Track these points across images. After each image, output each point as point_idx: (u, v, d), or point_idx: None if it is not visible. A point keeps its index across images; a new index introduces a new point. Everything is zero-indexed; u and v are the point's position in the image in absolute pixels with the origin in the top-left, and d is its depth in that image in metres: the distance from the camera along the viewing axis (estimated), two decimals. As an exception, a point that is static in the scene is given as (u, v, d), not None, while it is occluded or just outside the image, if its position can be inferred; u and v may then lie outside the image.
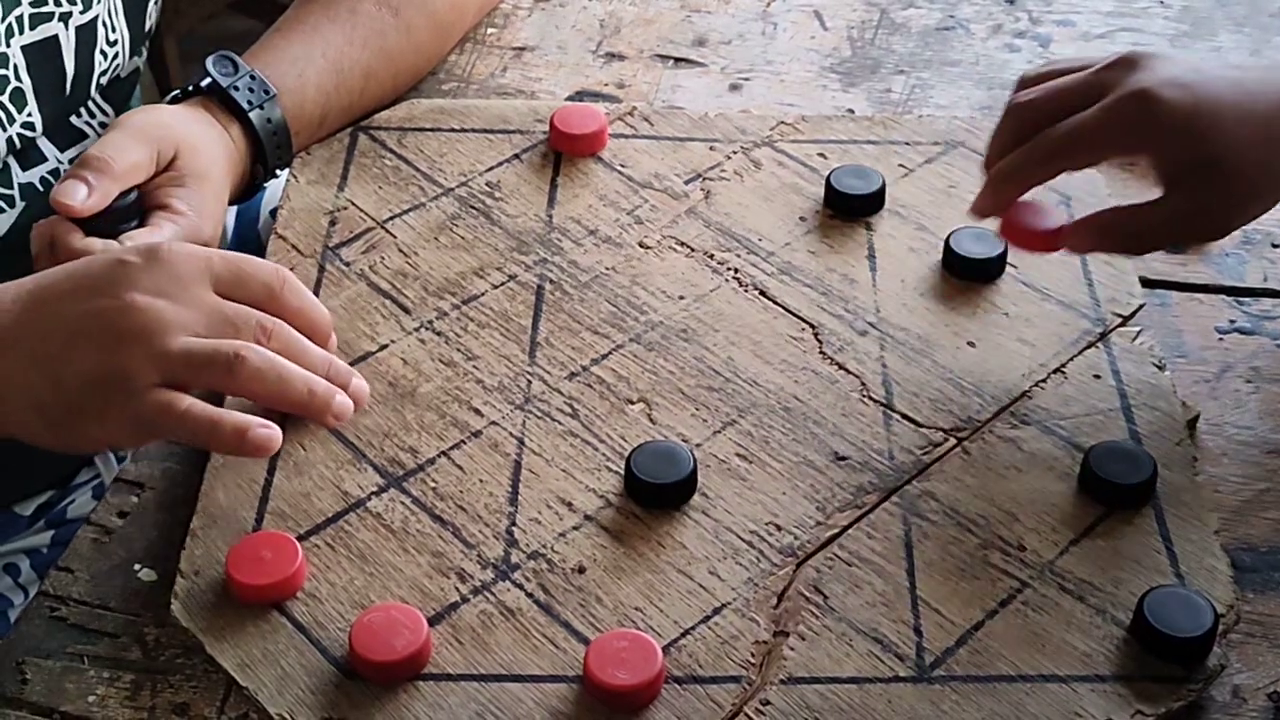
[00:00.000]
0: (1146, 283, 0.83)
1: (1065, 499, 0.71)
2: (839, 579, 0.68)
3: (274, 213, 0.90)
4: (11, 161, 0.86)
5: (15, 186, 0.87)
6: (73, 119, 0.90)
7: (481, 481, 0.72)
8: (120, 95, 0.94)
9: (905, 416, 0.75)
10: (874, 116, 0.94)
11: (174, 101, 0.87)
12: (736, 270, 0.83)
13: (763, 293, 0.82)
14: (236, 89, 0.86)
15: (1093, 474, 0.70)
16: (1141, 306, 0.81)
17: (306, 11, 0.93)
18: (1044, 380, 0.77)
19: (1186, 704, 0.63)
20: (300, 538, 0.69)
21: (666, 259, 0.84)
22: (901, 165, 0.90)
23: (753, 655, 0.65)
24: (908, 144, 0.91)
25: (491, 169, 0.90)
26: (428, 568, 0.68)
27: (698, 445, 0.73)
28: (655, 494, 0.70)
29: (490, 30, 1.04)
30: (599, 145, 0.91)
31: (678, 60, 1.02)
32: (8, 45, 0.83)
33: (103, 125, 0.91)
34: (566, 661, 0.64)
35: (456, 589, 0.67)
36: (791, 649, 0.65)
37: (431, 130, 0.93)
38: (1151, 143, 0.72)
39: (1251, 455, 0.74)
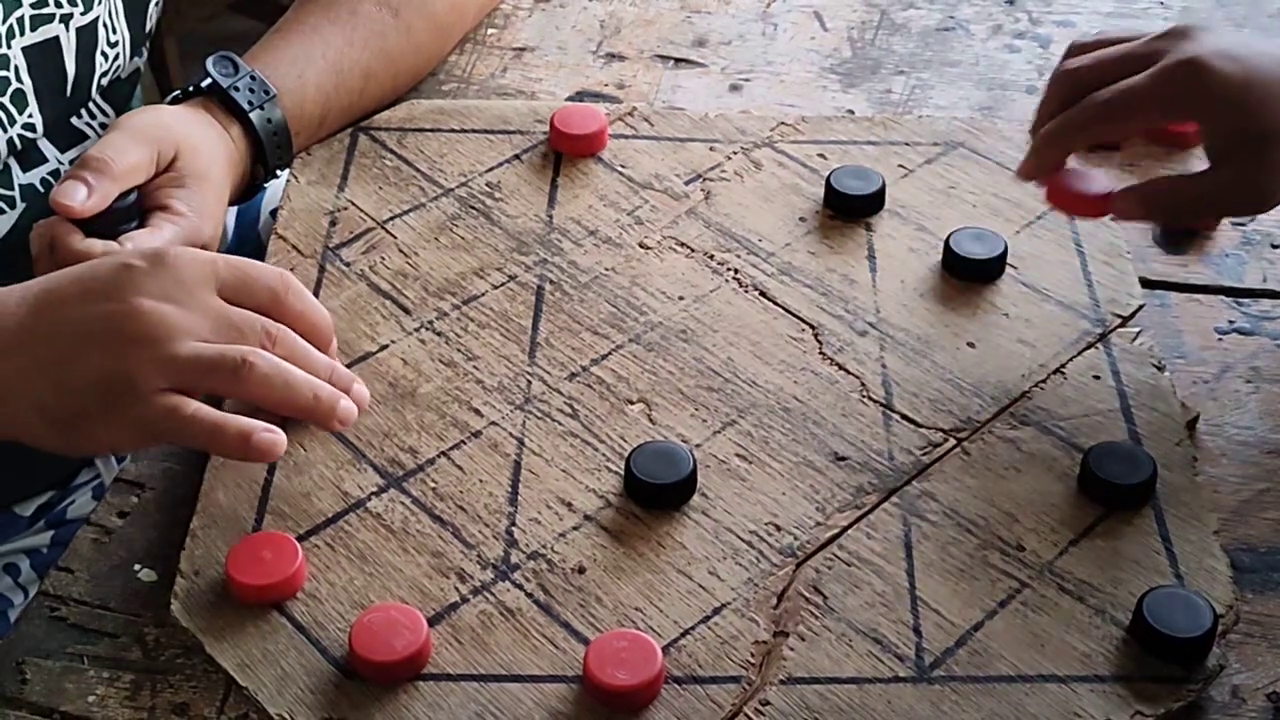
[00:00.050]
0: (1146, 283, 0.83)
1: (1065, 499, 0.71)
2: (839, 579, 0.68)
3: (274, 213, 0.90)
4: (12, 163, 0.86)
5: (16, 188, 0.87)
6: (73, 120, 0.90)
7: (481, 482, 0.72)
8: (121, 96, 0.94)
9: (905, 417, 0.75)
10: (874, 117, 0.94)
11: (174, 102, 0.87)
12: (736, 271, 0.83)
13: (763, 293, 0.82)
14: (237, 89, 0.86)
15: (1092, 474, 0.70)
16: (1141, 307, 0.81)
17: (306, 12, 0.93)
18: (1044, 381, 0.77)
19: (1186, 704, 0.63)
20: (300, 538, 0.69)
21: (666, 259, 0.84)
22: (901, 166, 0.90)
23: (752, 655, 0.65)
24: (908, 144, 0.92)
25: (492, 169, 0.90)
26: (428, 568, 0.68)
27: (697, 445, 0.73)
28: (655, 494, 0.70)
29: (490, 31, 1.05)
30: (599, 146, 0.91)
31: (678, 61, 1.02)
32: (8, 47, 0.83)
33: (103, 126, 0.91)
34: (566, 661, 0.64)
35: (456, 589, 0.67)
36: (791, 649, 0.65)
37: (432, 131, 0.93)
38: (1200, 112, 0.73)
39: (1251, 456, 0.74)
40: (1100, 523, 0.70)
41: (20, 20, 0.83)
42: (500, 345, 0.79)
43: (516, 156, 0.91)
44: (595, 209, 0.87)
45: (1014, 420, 0.75)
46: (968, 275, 0.82)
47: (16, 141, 0.85)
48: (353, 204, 0.88)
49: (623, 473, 0.71)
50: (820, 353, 0.78)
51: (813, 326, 0.80)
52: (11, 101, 0.84)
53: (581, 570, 0.68)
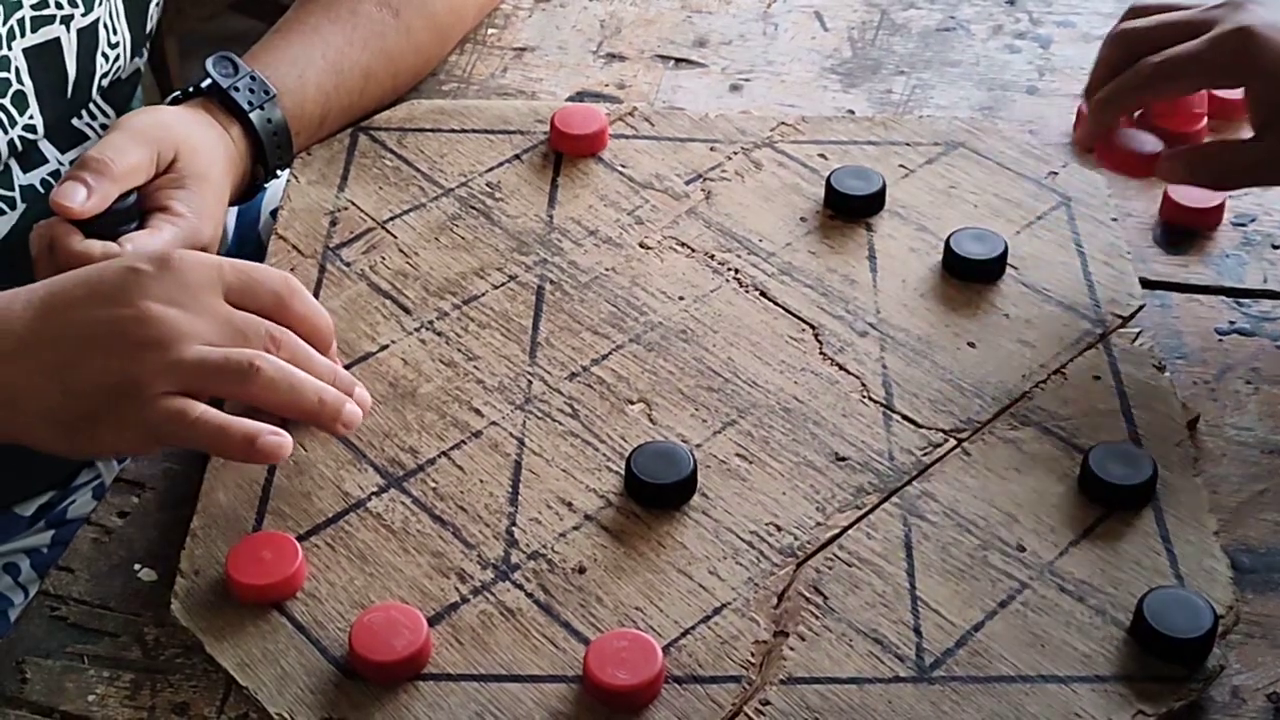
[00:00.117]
0: (1146, 284, 0.83)
1: (1065, 500, 0.71)
2: (839, 579, 0.68)
3: (274, 213, 0.90)
4: (13, 164, 0.86)
5: (16, 188, 0.87)
6: (74, 121, 0.90)
7: (482, 482, 0.72)
8: (121, 97, 0.94)
9: (905, 417, 0.75)
10: (874, 117, 0.94)
11: (174, 103, 0.87)
12: (737, 271, 0.83)
13: (763, 293, 0.82)
14: (237, 90, 0.86)
15: (1092, 475, 0.70)
16: (1141, 308, 0.81)
17: (307, 12, 0.93)
18: (1044, 381, 0.77)
19: (1186, 704, 0.63)
20: (300, 538, 0.69)
21: (667, 259, 0.84)
22: (902, 166, 0.90)
23: (752, 655, 0.65)
24: (908, 145, 0.92)
25: (492, 169, 0.90)
26: (428, 568, 0.68)
27: (698, 445, 0.73)
28: (655, 494, 0.70)
29: (491, 31, 1.05)
30: (599, 146, 0.91)
31: (678, 61, 1.02)
32: (9, 48, 0.83)
33: (104, 127, 0.91)
34: (566, 661, 0.64)
35: (456, 589, 0.67)
36: (791, 649, 0.65)
37: (432, 131, 0.93)
38: (1248, 80, 0.76)
39: (1251, 456, 0.74)
40: (1100, 523, 0.70)
41: (21, 21, 0.83)
42: (501, 345, 0.79)
43: (517, 156, 0.91)
44: (595, 209, 0.87)
45: (1014, 421, 0.75)
46: (968, 275, 0.82)
47: (17, 143, 0.85)
48: (353, 204, 0.88)
49: (623, 473, 0.71)
50: (820, 353, 0.78)
51: (813, 326, 0.80)
52: (12, 103, 0.84)
53: (582, 570, 0.68)
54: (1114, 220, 0.86)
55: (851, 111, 0.96)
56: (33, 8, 0.83)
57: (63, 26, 0.85)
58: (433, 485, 0.72)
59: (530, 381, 0.77)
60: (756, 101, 0.97)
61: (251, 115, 0.86)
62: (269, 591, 0.66)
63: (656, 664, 0.62)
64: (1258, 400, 0.77)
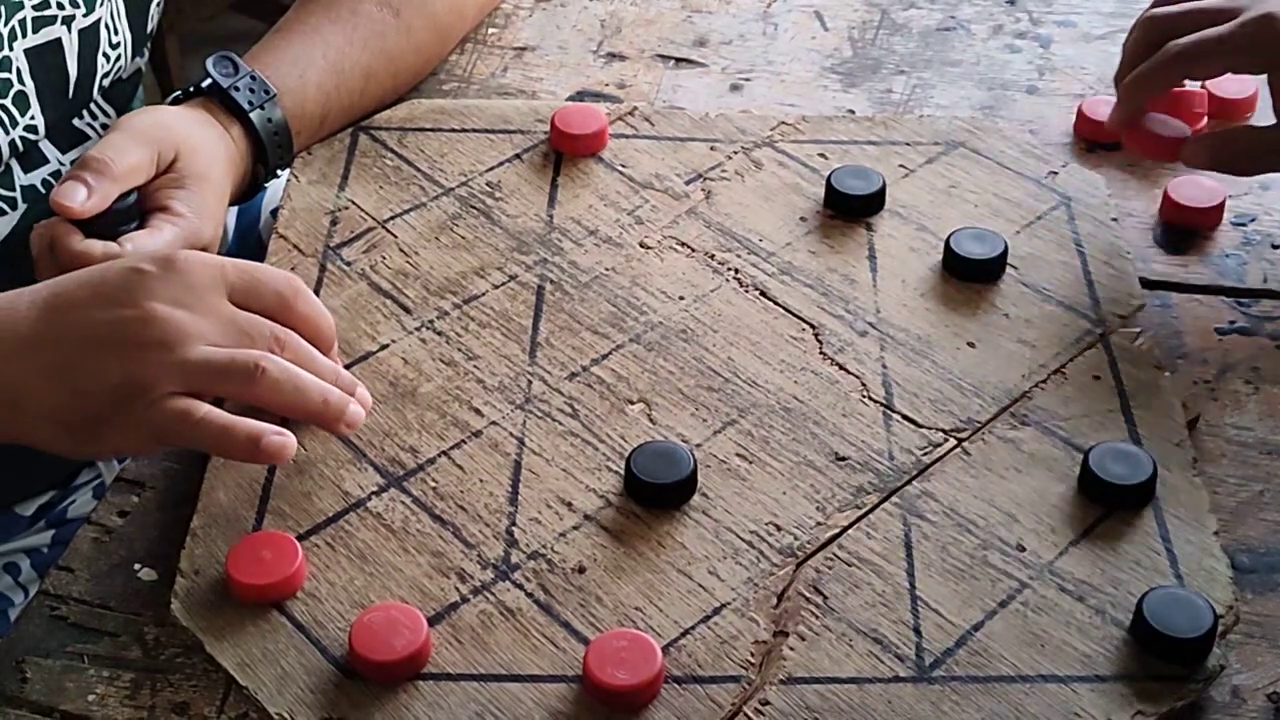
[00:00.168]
0: (1147, 284, 0.83)
1: (1065, 500, 0.71)
2: (839, 579, 0.68)
3: (275, 213, 0.90)
4: (14, 164, 0.86)
5: (17, 189, 0.87)
6: (75, 121, 0.90)
7: (481, 481, 0.72)
8: (122, 96, 0.94)
9: (905, 417, 0.75)
10: (874, 117, 0.94)
11: (175, 103, 0.87)
12: (737, 270, 0.83)
13: (763, 293, 0.82)
14: (237, 89, 0.86)
15: (1092, 475, 0.70)
16: (1141, 307, 0.81)
17: (307, 12, 0.93)
18: (1044, 381, 0.77)
19: (1186, 704, 0.63)
20: (300, 537, 0.69)
21: (667, 259, 0.84)
22: (902, 166, 0.90)
23: (752, 655, 0.65)
24: (908, 144, 0.92)
25: (492, 169, 0.90)
26: (428, 567, 0.68)
27: (698, 445, 0.73)
28: (655, 494, 0.70)
29: (491, 30, 1.05)
30: (599, 145, 0.91)
31: (678, 60, 1.02)
32: (10, 49, 0.83)
33: (105, 127, 0.91)
34: (566, 661, 0.64)
35: (456, 589, 0.67)
36: (791, 649, 0.65)
37: (432, 130, 0.93)
38: (1272, 66, 0.79)
39: (1251, 456, 0.74)
40: (1100, 523, 0.70)
41: (22, 22, 0.83)
42: (501, 345, 0.79)
43: (517, 156, 0.91)
44: (595, 209, 0.87)
45: (1014, 420, 0.75)
46: (968, 275, 0.82)
47: (18, 143, 0.85)
48: (353, 203, 0.88)
49: (623, 472, 0.71)
50: (820, 353, 0.78)
51: (813, 326, 0.80)
52: (14, 103, 0.84)
53: (581, 570, 0.68)
54: (1114, 220, 0.86)
55: (851, 111, 0.96)
56: (34, 8, 0.83)
57: (64, 27, 0.85)
58: (433, 485, 0.72)
59: (530, 381, 0.77)
60: (756, 101, 0.97)
61: (252, 115, 0.86)
62: (269, 591, 0.66)
63: (656, 664, 0.62)
64: (1258, 400, 0.77)
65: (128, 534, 0.71)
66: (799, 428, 0.74)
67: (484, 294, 0.82)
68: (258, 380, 0.66)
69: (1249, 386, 0.78)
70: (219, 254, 0.79)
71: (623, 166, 0.90)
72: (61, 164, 0.89)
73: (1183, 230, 0.87)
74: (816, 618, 0.66)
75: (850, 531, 0.70)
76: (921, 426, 0.74)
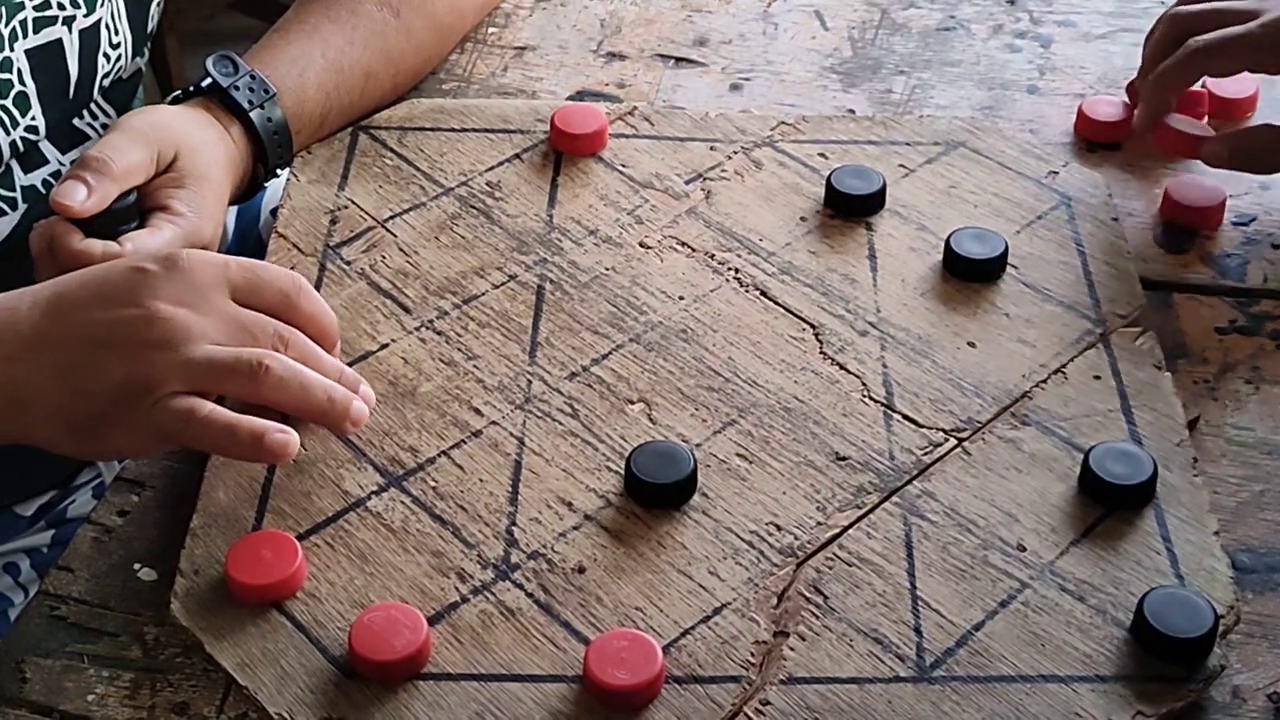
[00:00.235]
0: (1147, 283, 0.83)
1: (1065, 499, 0.71)
2: (839, 579, 0.68)
3: (275, 212, 0.90)
4: (14, 164, 0.86)
5: (17, 189, 0.87)
6: (75, 121, 0.90)
7: (481, 481, 0.72)
8: (123, 96, 0.94)
9: (905, 417, 0.75)
10: (874, 117, 0.94)
11: (175, 102, 0.87)
12: (737, 270, 0.83)
13: (763, 293, 0.82)
14: (237, 89, 0.86)
15: (1093, 474, 0.70)
16: (1141, 307, 0.81)
17: (307, 12, 0.93)
18: (1044, 381, 0.77)
19: (1187, 704, 0.63)
20: (300, 537, 0.69)
21: (667, 259, 0.84)
22: (902, 165, 0.90)
23: (753, 655, 0.65)
24: (908, 144, 0.91)
25: (492, 169, 0.90)
26: (428, 567, 0.68)
27: (698, 445, 0.73)
28: (655, 494, 0.70)
29: (491, 30, 1.05)
30: (599, 145, 0.91)
31: (678, 60, 1.02)
32: (11, 50, 0.83)
33: (105, 127, 0.91)
34: (566, 661, 0.64)
35: (456, 589, 0.67)
36: (791, 649, 0.65)
37: (432, 130, 0.93)
38: None
39: (1251, 456, 0.74)
40: (1100, 523, 0.70)
41: (23, 23, 0.83)
42: (500, 344, 0.79)
43: (517, 156, 0.91)
44: (595, 208, 0.87)
45: (1014, 420, 0.75)
46: (968, 275, 0.82)
47: (19, 144, 0.85)
48: (353, 203, 0.88)
49: (623, 472, 0.71)
50: (821, 352, 0.78)
51: (813, 326, 0.80)
52: (14, 104, 0.84)
53: (581, 570, 0.68)
54: (1114, 220, 0.86)
55: (851, 111, 0.96)
56: (35, 9, 0.83)
57: (64, 27, 0.85)
58: (432, 484, 0.72)
59: (530, 381, 0.77)
60: (756, 101, 0.97)
61: (252, 114, 0.86)
62: (269, 591, 0.66)
63: (656, 664, 0.62)
64: (1258, 400, 0.77)
65: (127, 534, 0.71)
66: (799, 428, 0.74)
67: (484, 294, 0.82)
68: (262, 379, 0.66)
69: (1249, 386, 0.78)
70: (219, 253, 0.79)
71: (623, 166, 0.90)
72: (62, 164, 0.89)
73: (1183, 230, 0.87)
74: (817, 618, 0.66)
75: (850, 531, 0.70)
76: (922, 426, 0.74)
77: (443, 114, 0.94)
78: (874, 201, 0.86)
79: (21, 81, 0.84)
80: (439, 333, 0.80)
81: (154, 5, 0.93)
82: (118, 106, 0.93)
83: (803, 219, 0.87)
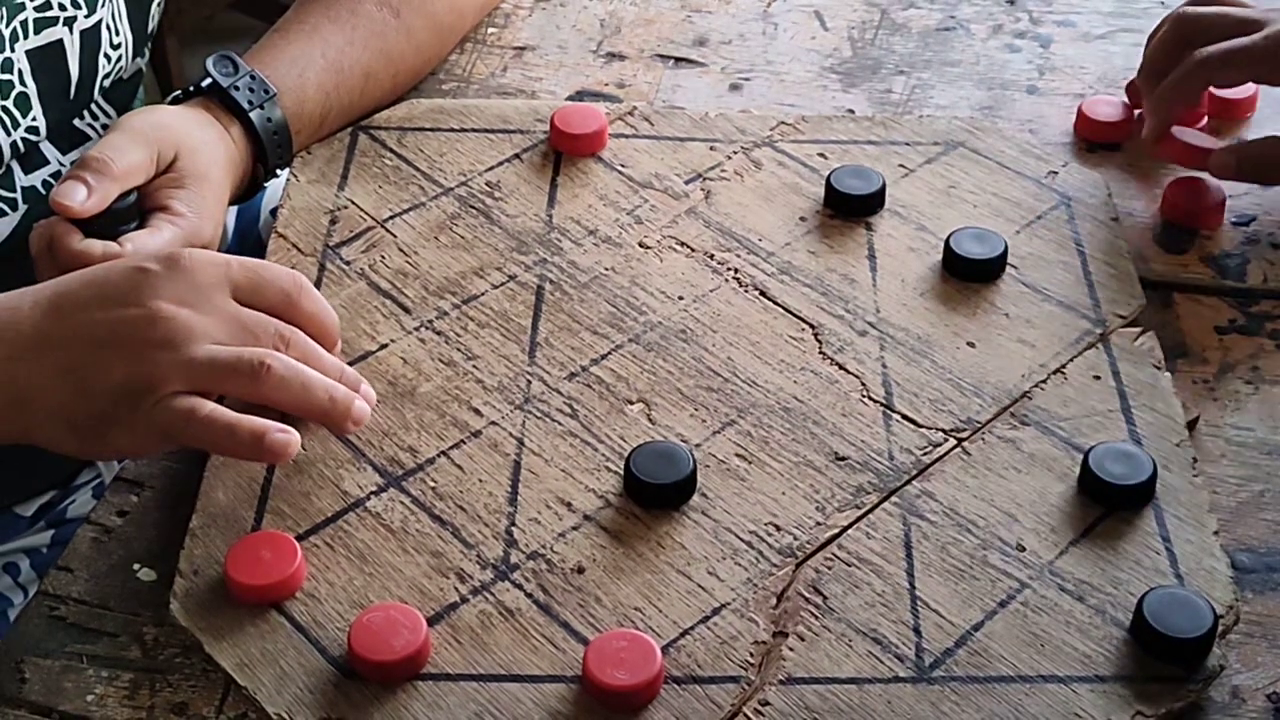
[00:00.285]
0: (1147, 283, 0.83)
1: (1065, 500, 0.71)
2: (838, 579, 0.68)
3: (274, 212, 0.90)
4: (14, 165, 0.86)
5: (18, 190, 0.87)
6: (76, 122, 0.90)
7: (481, 481, 0.72)
8: (123, 97, 0.94)
9: (905, 417, 0.75)
10: (874, 117, 0.94)
11: (175, 102, 0.87)
12: (736, 270, 0.83)
13: (763, 293, 0.82)
14: (237, 89, 0.86)
15: (1092, 475, 0.70)
16: (1141, 307, 0.81)
17: (307, 12, 0.93)
18: (1044, 381, 0.77)
19: (1186, 705, 0.63)
20: (299, 537, 0.69)
21: (666, 259, 0.84)
22: (902, 165, 0.90)
23: (752, 655, 0.65)
24: (908, 144, 0.91)
25: (491, 169, 0.90)
26: (427, 568, 0.68)
27: (697, 445, 0.73)
28: (655, 494, 0.70)
29: (491, 30, 1.05)
30: (599, 145, 0.91)
31: (678, 60, 1.02)
32: (12, 50, 0.83)
33: (105, 127, 0.91)
34: (566, 662, 0.64)
35: (456, 589, 0.67)
36: (791, 649, 0.65)
37: (431, 130, 0.93)
38: None
39: (1251, 456, 0.74)
40: (1100, 523, 0.70)
41: (24, 23, 0.83)
42: (500, 345, 0.79)
43: (516, 156, 0.91)
44: (595, 208, 0.87)
45: (1014, 420, 0.75)
46: (968, 275, 0.82)
47: (20, 144, 0.85)
48: (353, 203, 0.88)
49: (622, 473, 0.71)
50: (820, 352, 0.78)
51: (813, 326, 0.80)
52: (15, 105, 0.84)
53: (581, 570, 0.68)
54: (1114, 220, 0.86)
55: (851, 111, 0.96)
56: (36, 9, 0.83)
57: (65, 28, 0.85)
58: (432, 485, 0.72)
59: (529, 381, 0.77)
60: (756, 101, 0.97)
61: (251, 114, 0.86)
62: (268, 591, 0.66)
63: (656, 664, 0.62)
64: (1258, 400, 0.77)
65: (127, 534, 0.71)
66: (799, 428, 0.74)
67: (483, 294, 0.82)
68: (263, 378, 0.66)
69: (1249, 386, 0.78)
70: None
71: (622, 166, 0.90)
72: (62, 165, 0.89)
73: (1183, 230, 0.87)
74: (816, 618, 0.66)
75: (850, 531, 0.70)
76: (921, 426, 0.74)
77: (442, 114, 0.94)
78: (873, 201, 0.86)
79: (22, 82, 0.84)
80: (438, 333, 0.80)
81: (154, 6, 0.93)
82: (118, 107, 0.93)
83: (802, 219, 0.87)
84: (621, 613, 0.66)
